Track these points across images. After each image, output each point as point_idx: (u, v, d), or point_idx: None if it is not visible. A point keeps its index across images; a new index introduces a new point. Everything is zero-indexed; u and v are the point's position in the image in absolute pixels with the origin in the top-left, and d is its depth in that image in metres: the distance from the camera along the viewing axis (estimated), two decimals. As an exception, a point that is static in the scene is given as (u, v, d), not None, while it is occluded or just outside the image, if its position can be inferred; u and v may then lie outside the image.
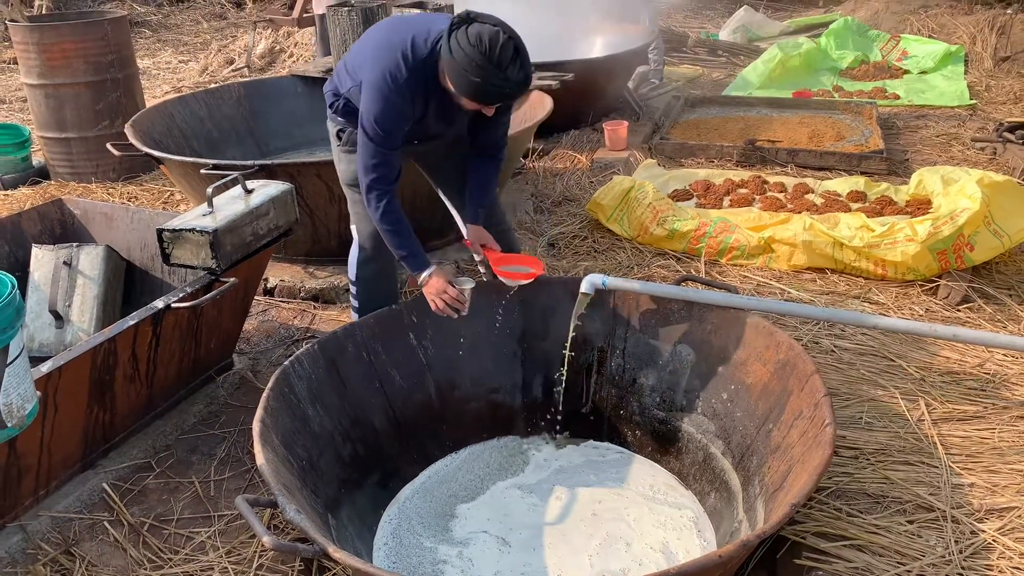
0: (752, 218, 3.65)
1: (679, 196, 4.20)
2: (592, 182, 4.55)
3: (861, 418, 2.47)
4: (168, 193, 4.62)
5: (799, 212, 3.80)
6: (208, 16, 10.95)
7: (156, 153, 3.35)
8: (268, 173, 3.01)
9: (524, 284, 2.53)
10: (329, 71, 4.55)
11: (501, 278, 2.53)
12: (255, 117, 4.54)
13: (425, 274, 2.39)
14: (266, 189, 2.65)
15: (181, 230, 2.37)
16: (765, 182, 4.30)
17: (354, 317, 2.85)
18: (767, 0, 10.13)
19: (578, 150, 5.05)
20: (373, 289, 2.76)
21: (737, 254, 3.54)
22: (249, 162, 3.20)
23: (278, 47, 7.72)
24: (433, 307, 2.38)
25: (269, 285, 3.42)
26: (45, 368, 1.99)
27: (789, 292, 3.28)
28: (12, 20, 4.95)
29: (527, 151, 4.91)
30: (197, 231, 2.35)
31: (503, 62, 2.05)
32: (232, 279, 2.41)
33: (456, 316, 2.40)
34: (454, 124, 2.46)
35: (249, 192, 2.61)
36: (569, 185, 4.52)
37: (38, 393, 1.83)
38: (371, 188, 2.33)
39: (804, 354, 2.14)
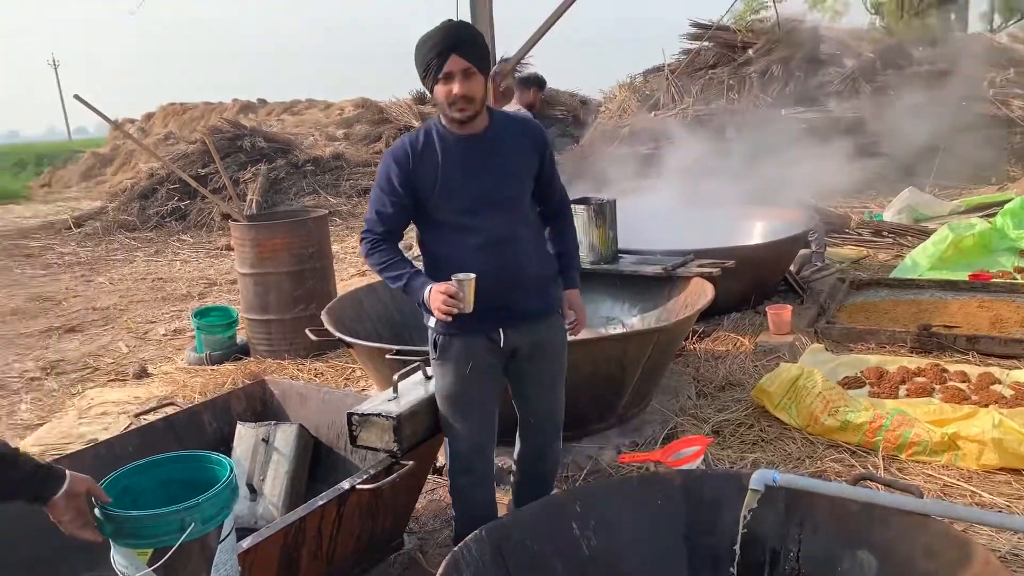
0: (933, 411, 3.46)
1: (850, 384, 4.06)
2: (756, 366, 4.50)
3: (1081, 650, 2.18)
4: (351, 370, 5.01)
5: (986, 405, 3.57)
6: (389, 205, 12.13)
7: (347, 339, 3.70)
8: (445, 359, 3.23)
9: (691, 470, 2.55)
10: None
11: (675, 469, 2.55)
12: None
13: (426, 292, 2.37)
14: (444, 376, 2.85)
15: (368, 415, 2.58)
16: (944, 371, 4.08)
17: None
18: (933, 179, 9.97)
19: (740, 333, 5.04)
20: (468, 500, 2.69)
21: (918, 450, 3.34)
22: (428, 348, 3.45)
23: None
24: (437, 315, 2.34)
25: (438, 464, 3.57)
26: (246, 544, 2.17)
27: (981, 496, 3.03)
28: (231, 217, 5.74)
29: (688, 333, 4.97)
30: (383, 416, 2.55)
31: (430, 31, 2.32)
32: (410, 462, 2.56)
33: (456, 312, 2.30)
34: (489, 176, 2.42)
35: (429, 378, 2.82)
36: (732, 369, 4.49)
37: (239, 568, 2.00)
38: (363, 235, 2.49)
39: (1004, 570, 1.97)
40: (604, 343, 3.64)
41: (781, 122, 10.86)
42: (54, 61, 65.15)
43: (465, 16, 6.80)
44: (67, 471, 1.69)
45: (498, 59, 7.10)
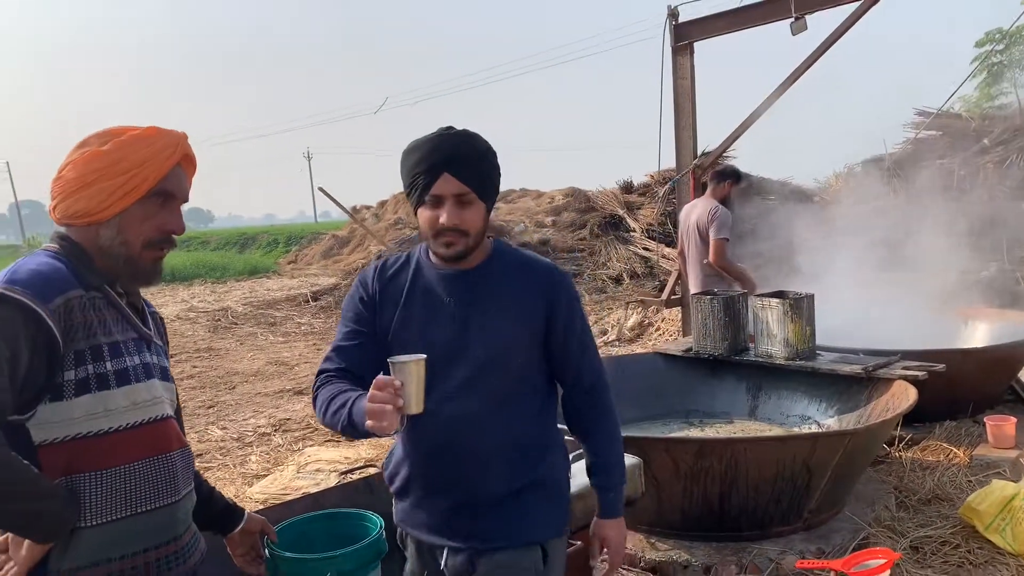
0: None
1: (1084, 511, 3.59)
2: (971, 482, 4.10)
3: None
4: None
5: None
6: (591, 290, 12.43)
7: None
8: (622, 445, 3.31)
9: None
10: (688, 350, 4.92)
11: None
12: (619, 386, 4.88)
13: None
14: (617, 461, 2.93)
15: (541, 491, 2.71)
16: None
17: None
18: None
19: (954, 443, 4.63)
20: None
21: None
22: (607, 432, 3.55)
23: (647, 321, 8.47)
24: (367, 423, 1.54)
25: (612, 550, 3.60)
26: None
27: None
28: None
29: (892, 439, 4.65)
30: (554, 494, 2.67)
31: (419, 140, 1.79)
32: (578, 543, 2.64)
33: (390, 411, 1.52)
34: (457, 325, 1.81)
35: (602, 462, 2.90)
36: (941, 482, 4.13)
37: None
38: (316, 378, 1.88)
39: None
40: (789, 443, 3.53)
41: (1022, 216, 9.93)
42: (308, 154, 74.06)
43: (668, 111, 7.05)
44: (246, 511, 1.95)
45: (699, 152, 7.25)
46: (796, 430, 4.42)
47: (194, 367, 9.34)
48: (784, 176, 16.30)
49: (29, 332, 1.39)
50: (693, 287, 5.76)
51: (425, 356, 1.59)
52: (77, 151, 1.56)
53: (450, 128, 1.78)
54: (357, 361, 1.84)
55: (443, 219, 1.73)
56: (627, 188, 14.84)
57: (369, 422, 1.53)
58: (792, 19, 5.86)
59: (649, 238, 13.11)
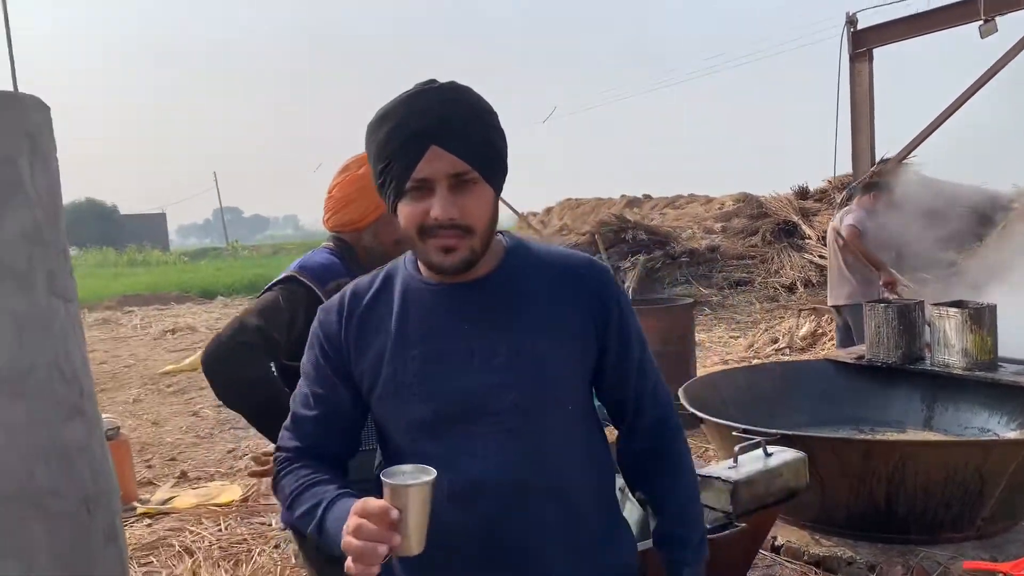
0: None
1: None
2: None
3: None
4: (704, 448, 5.38)
5: None
6: (762, 298, 12.28)
7: (699, 414, 4.12)
8: (787, 441, 3.48)
9: None
10: (860, 358, 4.94)
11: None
12: (788, 391, 5.09)
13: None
14: (783, 454, 3.13)
15: (709, 476, 2.97)
16: None
17: None
18: None
19: None
20: None
21: None
22: (772, 430, 3.72)
23: (820, 331, 8.35)
24: (350, 567, 1.11)
25: (776, 543, 3.77)
26: None
27: None
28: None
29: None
30: (721, 479, 2.92)
31: (391, 103, 1.28)
32: (743, 524, 2.88)
33: (383, 552, 1.09)
34: (477, 363, 1.30)
35: (769, 455, 3.12)
36: None
37: None
38: (274, 457, 1.44)
39: None
40: (960, 448, 3.55)
41: None
42: (479, 162, 76.97)
43: (844, 115, 6.96)
44: None
45: (877, 159, 7.13)
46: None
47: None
48: (977, 182, 15.22)
49: (306, 304, 1.90)
50: (835, 297, 5.85)
51: (435, 475, 1.12)
52: (341, 175, 2.07)
53: (431, 82, 1.27)
54: (318, 437, 1.40)
55: (434, 211, 1.23)
56: (802, 194, 14.46)
57: (350, 564, 1.10)
58: (981, 22, 5.68)
59: (826, 246, 12.74)
